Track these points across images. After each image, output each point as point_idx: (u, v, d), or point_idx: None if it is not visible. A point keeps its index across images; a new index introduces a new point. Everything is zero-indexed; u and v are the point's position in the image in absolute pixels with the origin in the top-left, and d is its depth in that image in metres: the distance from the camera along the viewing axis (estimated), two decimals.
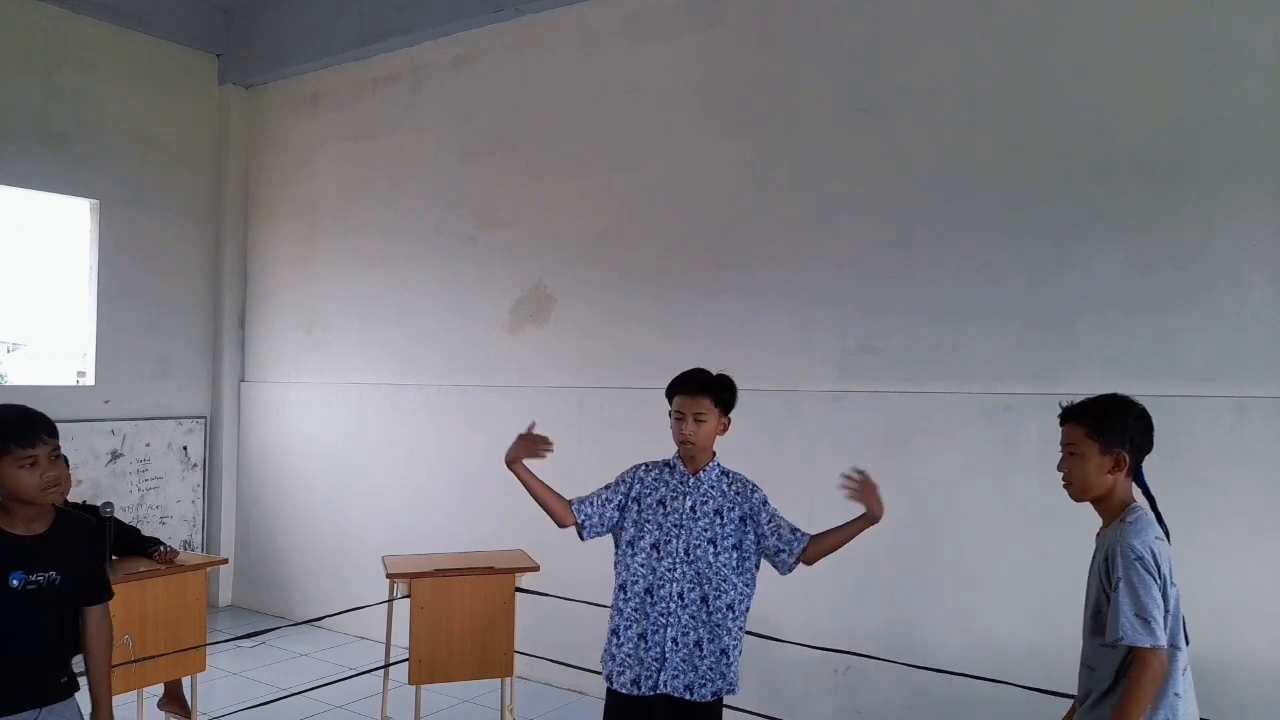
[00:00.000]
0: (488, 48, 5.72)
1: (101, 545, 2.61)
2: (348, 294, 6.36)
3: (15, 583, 2.41)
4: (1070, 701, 3.51)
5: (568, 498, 2.93)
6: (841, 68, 4.44)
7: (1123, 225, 3.76)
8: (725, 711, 4.16)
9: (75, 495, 4.34)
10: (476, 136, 5.74)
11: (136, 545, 4.29)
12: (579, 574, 4.22)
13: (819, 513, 4.43)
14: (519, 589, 4.34)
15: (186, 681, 4.35)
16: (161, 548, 4.24)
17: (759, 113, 4.67)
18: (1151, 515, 2.28)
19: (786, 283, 4.54)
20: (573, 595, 4.41)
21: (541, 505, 2.90)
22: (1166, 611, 2.15)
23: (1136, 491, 2.34)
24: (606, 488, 2.97)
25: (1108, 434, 2.28)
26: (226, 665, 5.34)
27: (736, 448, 4.63)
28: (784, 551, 2.89)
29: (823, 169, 4.47)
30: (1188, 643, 2.26)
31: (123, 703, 4.25)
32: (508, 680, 4.34)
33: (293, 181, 6.74)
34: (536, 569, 4.33)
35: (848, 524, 2.85)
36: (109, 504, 4.18)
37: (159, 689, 4.38)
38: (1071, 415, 2.36)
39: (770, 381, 4.55)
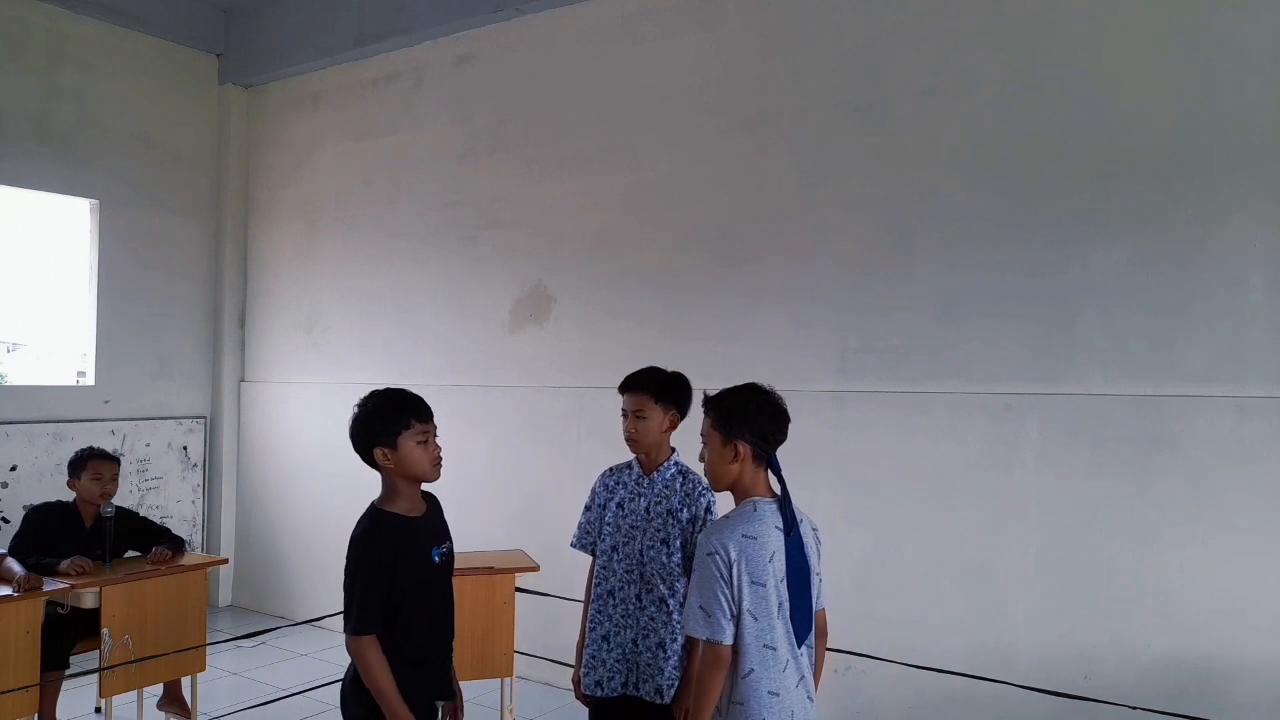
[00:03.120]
0: (488, 47, 5.72)
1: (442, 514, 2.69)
2: (348, 294, 6.36)
3: (437, 558, 2.50)
4: (1069, 702, 3.53)
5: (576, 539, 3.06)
6: (841, 68, 4.44)
7: (1123, 225, 3.77)
8: None
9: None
10: (476, 136, 5.74)
11: (152, 533, 4.40)
12: (579, 574, 4.20)
13: (819, 512, 4.45)
14: (519, 589, 4.34)
15: (186, 681, 4.36)
16: (158, 549, 4.27)
17: (759, 112, 4.67)
18: (757, 510, 2.22)
19: (787, 282, 4.54)
20: (573, 595, 4.39)
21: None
22: (736, 610, 2.12)
23: (775, 481, 2.32)
24: (587, 509, 3.03)
25: (727, 425, 2.27)
26: (226, 665, 5.34)
27: None
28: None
29: (823, 169, 4.47)
30: (802, 643, 2.20)
31: (123, 702, 4.27)
32: (508, 680, 4.34)
33: (293, 181, 6.74)
34: (536, 569, 4.33)
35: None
36: (109, 504, 4.21)
37: (159, 689, 4.39)
38: (705, 405, 2.36)
39: (770, 381, 4.46)
